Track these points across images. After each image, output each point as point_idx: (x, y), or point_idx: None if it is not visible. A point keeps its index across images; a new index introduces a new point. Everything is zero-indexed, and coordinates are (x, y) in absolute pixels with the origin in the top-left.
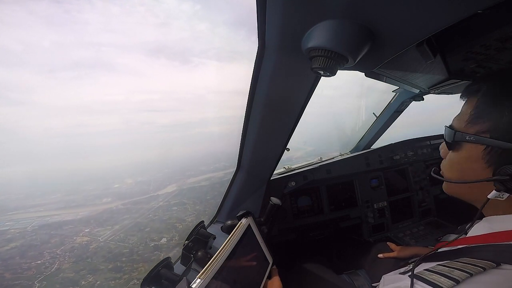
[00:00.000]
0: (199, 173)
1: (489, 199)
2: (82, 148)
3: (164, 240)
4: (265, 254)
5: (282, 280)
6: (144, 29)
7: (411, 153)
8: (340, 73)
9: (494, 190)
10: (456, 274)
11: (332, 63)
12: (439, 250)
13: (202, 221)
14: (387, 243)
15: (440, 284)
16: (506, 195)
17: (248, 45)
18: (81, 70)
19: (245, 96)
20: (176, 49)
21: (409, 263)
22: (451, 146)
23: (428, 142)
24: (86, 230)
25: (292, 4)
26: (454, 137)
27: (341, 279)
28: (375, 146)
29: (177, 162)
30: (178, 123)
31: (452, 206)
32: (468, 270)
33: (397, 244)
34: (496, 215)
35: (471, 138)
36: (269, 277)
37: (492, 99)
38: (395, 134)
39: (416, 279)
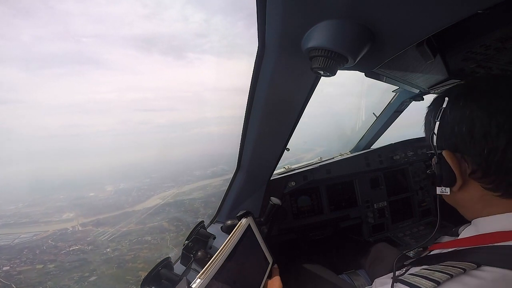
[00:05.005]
0: (193, 180)
1: (438, 194)
2: (71, 149)
3: None
4: (265, 254)
5: (282, 280)
6: (133, 20)
7: (411, 153)
8: (340, 73)
9: (437, 187)
10: (437, 276)
11: (332, 63)
12: (431, 253)
13: (202, 221)
14: None
15: (421, 286)
16: (447, 189)
17: (247, 38)
18: (68, 67)
19: (244, 94)
20: (169, 43)
21: (404, 266)
22: None
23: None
24: (3, 269)
25: (292, 4)
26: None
27: (341, 279)
28: (375, 146)
29: (170, 165)
30: (175, 123)
31: (452, 206)
32: (448, 272)
33: (397, 244)
34: (481, 217)
35: (428, 154)
36: (270, 277)
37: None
38: (395, 134)
39: (399, 282)
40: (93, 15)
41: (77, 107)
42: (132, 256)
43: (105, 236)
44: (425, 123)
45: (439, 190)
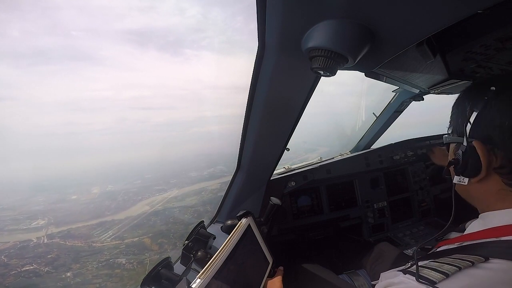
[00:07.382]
0: (188, 182)
1: (455, 183)
2: (66, 147)
3: None
4: (265, 254)
5: (282, 280)
6: (129, 14)
7: (411, 153)
8: (340, 72)
9: (455, 176)
10: (446, 268)
11: (332, 63)
12: (438, 249)
13: (202, 221)
14: None
15: (430, 278)
16: (465, 179)
17: (247, 34)
18: (62, 64)
19: (244, 92)
20: (165, 38)
21: (408, 262)
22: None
23: (428, 142)
24: None
25: (292, 4)
26: (444, 140)
27: (341, 279)
28: (375, 146)
29: (165, 165)
30: (173, 122)
31: (451, 206)
32: (457, 265)
33: (397, 244)
34: (489, 211)
35: (448, 139)
36: (272, 276)
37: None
38: (395, 134)
39: (408, 274)
40: (87, 8)
41: (73, 105)
42: (97, 286)
43: (70, 255)
44: (455, 108)
45: (456, 179)
